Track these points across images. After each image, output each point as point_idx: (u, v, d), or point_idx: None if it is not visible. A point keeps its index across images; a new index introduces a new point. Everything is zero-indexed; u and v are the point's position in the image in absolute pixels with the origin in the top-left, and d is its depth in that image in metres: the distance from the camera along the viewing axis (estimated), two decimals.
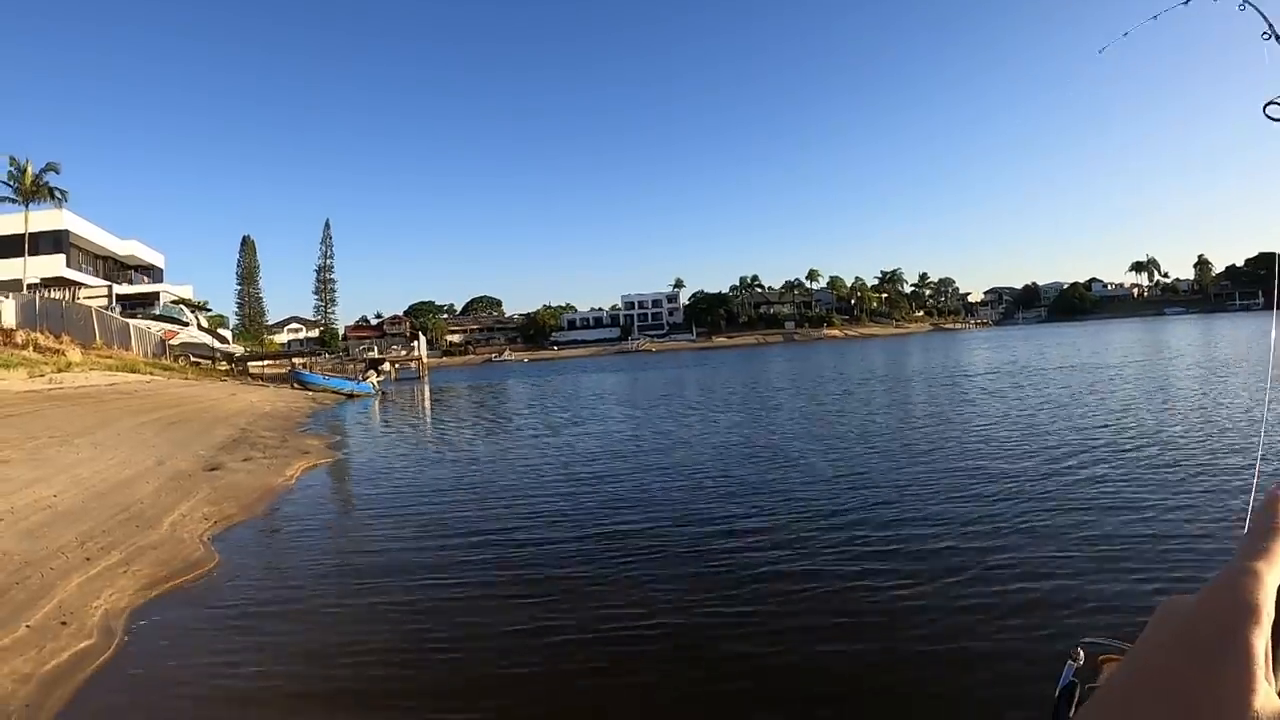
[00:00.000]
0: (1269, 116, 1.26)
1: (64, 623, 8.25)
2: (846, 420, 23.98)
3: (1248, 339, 54.40)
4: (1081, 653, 0.85)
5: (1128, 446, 16.61)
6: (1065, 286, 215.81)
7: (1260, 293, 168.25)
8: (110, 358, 44.75)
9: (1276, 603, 0.56)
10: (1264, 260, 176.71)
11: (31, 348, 37.26)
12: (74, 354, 40.10)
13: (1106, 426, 19.24)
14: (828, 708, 6.49)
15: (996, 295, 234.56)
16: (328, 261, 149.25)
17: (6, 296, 47.12)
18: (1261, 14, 1.54)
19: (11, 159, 60.87)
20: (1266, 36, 1.48)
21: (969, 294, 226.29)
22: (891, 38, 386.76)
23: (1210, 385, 27.55)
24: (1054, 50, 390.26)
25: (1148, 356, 45.02)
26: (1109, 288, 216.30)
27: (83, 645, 7.89)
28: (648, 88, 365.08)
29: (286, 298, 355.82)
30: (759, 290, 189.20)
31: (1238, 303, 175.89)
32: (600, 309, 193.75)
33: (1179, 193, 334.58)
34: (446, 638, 8.18)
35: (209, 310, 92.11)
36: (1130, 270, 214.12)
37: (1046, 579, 8.75)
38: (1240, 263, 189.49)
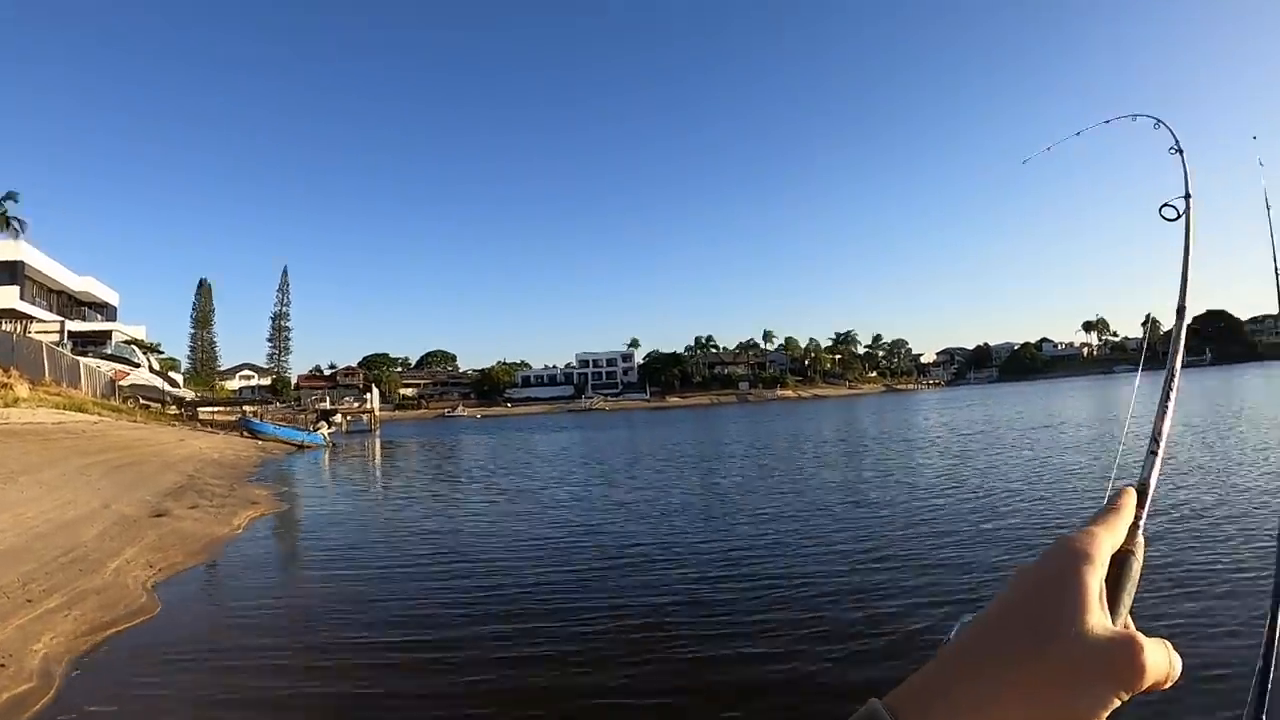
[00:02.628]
0: (1163, 216, 1.65)
1: (2, 664, 8.32)
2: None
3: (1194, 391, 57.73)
4: None
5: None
6: (1016, 346, 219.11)
7: (1207, 350, 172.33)
8: (59, 395, 44.34)
9: (1113, 561, 0.80)
10: (1213, 318, 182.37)
11: None
12: (22, 389, 39.68)
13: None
14: None
15: (949, 356, 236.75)
16: (284, 309, 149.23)
17: None
18: (1170, 131, 2.00)
19: None
20: (1173, 150, 1.90)
21: (921, 354, 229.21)
22: (852, 101, 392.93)
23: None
24: (1007, 126, 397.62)
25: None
26: (1059, 347, 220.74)
27: (22, 689, 7.96)
28: (611, 146, 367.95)
29: (240, 344, 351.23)
30: (714, 350, 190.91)
31: (1185, 359, 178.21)
32: (555, 366, 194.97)
33: (1125, 255, 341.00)
34: (385, 691, 8.25)
35: (161, 352, 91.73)
36: (1080, 329, 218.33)
37: None
38: (1188, 320, 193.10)
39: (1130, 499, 0.88)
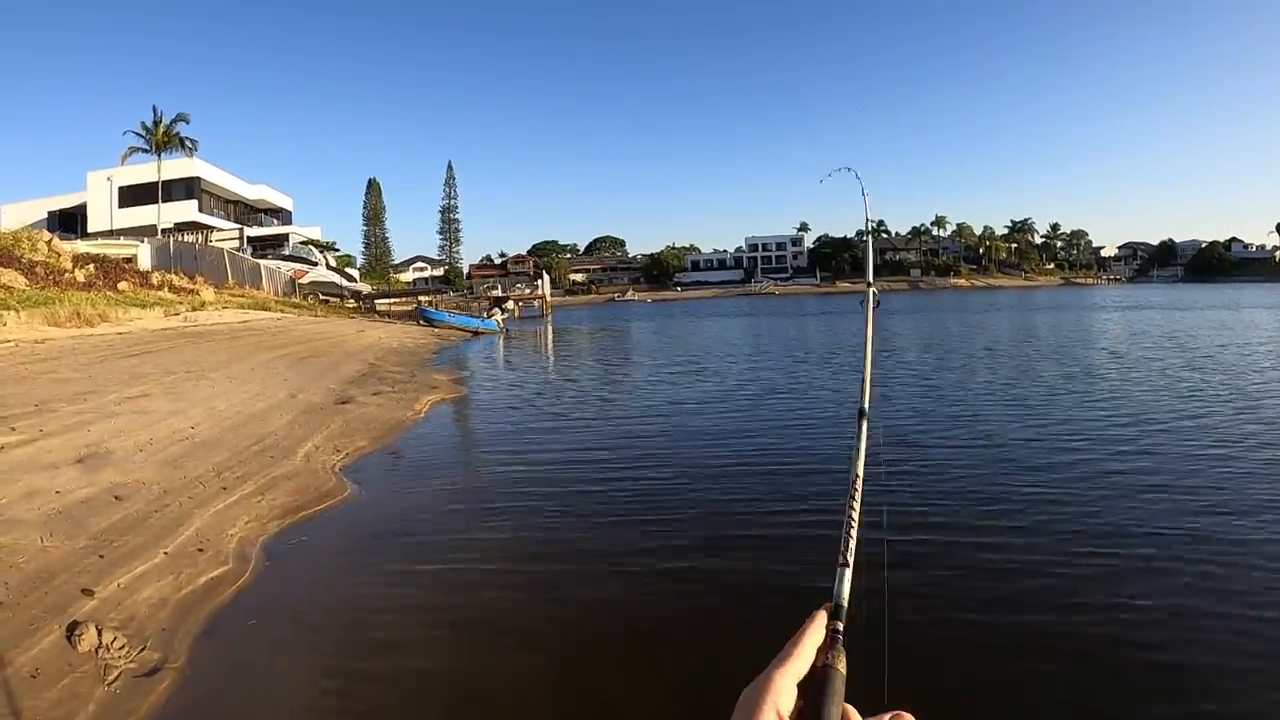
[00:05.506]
0: None
1: (201, 549, 8.20)
2: None
3: None
4: None
5: None
6: (1203, 245, 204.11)
7: None
8: (242, 296, 46.03)
9: (812, 680, 0.86)
10: None
11: (167, 288, 38.37)
12: (207, 293, 41.29)
13: None
14: None
15: (1131, 251, 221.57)
16: (452, 202, 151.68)
17: (142, 241, 48.89)
18: None
19: (154, 108, 63.74)
20: None
21: (1102, 248, 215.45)
22: None
23: None
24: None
25: None
26: (1249, 249, 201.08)
27: (218, 571, 7.83)
28: (777, 29, 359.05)
29: (412, 237, 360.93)
30: (885, 236, 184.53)
31: None
32: (724, 251, 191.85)
33: None
34: (568, 574, 8.10)
35: (337, 250, 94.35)
36: (1274, 231, 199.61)
37: None
38: None
39: (820, 620, 0.94)
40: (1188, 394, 17.62)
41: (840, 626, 0.91)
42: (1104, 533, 8.47)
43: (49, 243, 35.08)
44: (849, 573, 0.98)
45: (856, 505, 1.11)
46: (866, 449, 1.19)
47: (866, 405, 1.25)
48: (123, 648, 5.96)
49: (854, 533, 1.07)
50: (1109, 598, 6.88)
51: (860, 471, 1.17)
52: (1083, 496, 9.86)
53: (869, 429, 1.22)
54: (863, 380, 1.29)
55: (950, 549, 8.23)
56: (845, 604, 0.95)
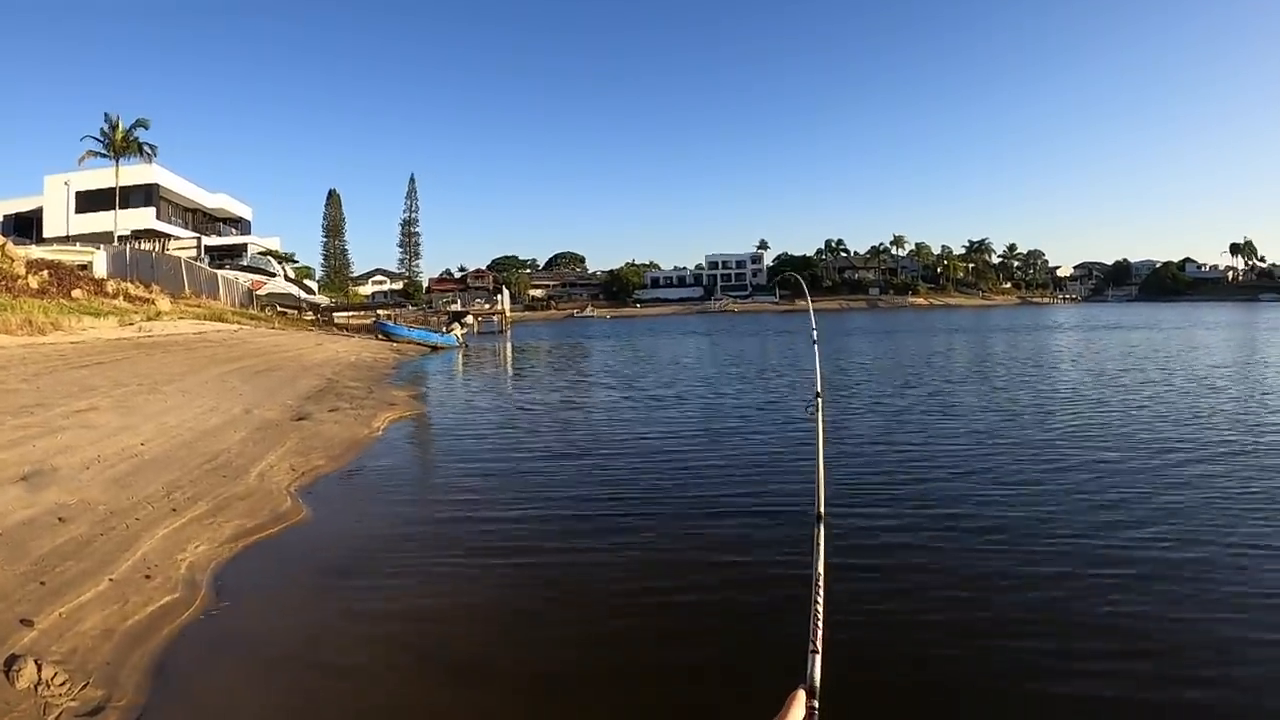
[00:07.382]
0: None
1: (148, 576, 7.91)
2: None
3: None
4: None
5: None
6: (1158, 264, 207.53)
7: None
8: (199, 307, 45.60)
9: None
10: None
11: (122, 297, 37.87)
12: (163, 303, 40.76)
13: None
14: None
15: (1086, 270, 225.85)
16: (412, 215, 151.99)
17: (98, 248, 48.39)
18: None
19: (106, 115, 62.89)
20: None
21: (1058, 268, 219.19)
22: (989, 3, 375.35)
23: None
24: (1156, 25, 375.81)
25: None
26: (1203, 269, 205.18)
27: (167, 600, 7.52)
28: (736, 45, 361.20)
29: (371, 250, 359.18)
30: (844, 255, 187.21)
31: None
32: (684, 268, 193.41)
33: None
34: (529, 605, 7.89)
35: (295, 261, 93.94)
36: (1226, 251, 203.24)
37: None
38: None
39: (799, 700, 0.98)
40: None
41: (816, 705, 0.97)
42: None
43: (2, 247, 34.62)
44: (819, 659, 1.00)
45: (820, 600, 1.11)
46: (826, 551, 1.20)
47: (823, 509, 1.25)
48: (64, 684, 5.68)
49: (820, 623, 1.07)
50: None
51: (821, 570, 1.18)
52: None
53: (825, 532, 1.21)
54: (816, 483, 1.21)
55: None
56: (819, 685, 0.99)
